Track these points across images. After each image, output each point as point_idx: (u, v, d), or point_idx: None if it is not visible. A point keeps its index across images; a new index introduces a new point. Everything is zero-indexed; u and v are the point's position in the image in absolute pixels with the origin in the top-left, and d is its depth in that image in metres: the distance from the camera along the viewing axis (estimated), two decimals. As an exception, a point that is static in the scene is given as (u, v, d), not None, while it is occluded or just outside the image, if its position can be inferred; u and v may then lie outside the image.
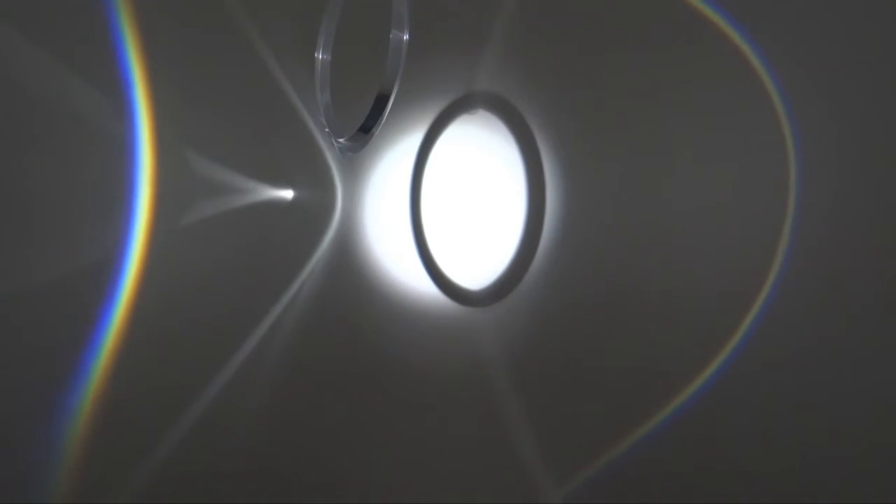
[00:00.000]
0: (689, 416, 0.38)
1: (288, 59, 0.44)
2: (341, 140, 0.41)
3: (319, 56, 0.41)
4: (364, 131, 0.41)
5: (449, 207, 0.43)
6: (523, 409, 0.40)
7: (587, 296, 0.40)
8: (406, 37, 0.39)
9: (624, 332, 0.39)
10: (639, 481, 0.39)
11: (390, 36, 0.39)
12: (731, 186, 0.38)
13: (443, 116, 0.42)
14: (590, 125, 0.40)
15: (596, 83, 0.40)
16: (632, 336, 0.39)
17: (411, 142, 0.43)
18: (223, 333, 0.44)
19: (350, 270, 0.44)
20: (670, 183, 0.39)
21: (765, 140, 0.36)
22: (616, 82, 0.40)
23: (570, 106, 0.40)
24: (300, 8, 0.44)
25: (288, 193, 0.45)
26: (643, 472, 0.39)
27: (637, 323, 0.39)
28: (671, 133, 0.39)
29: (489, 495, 0.41)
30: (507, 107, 0.41)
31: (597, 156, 0.40)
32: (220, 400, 0.43)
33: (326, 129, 0.41)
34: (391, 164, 0.45)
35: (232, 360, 0.44)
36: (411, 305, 0.43)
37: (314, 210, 0.45)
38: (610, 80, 0.40)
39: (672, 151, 0.39)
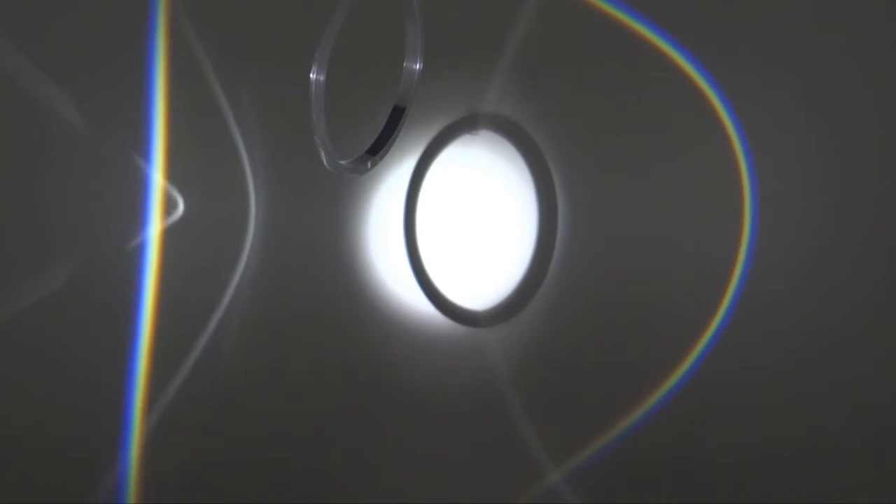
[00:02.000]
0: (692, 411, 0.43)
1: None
2: (342, 162, 0.38)
3: (314, 77, 0.36)
4: (371, 153, 0.38)
5: (449, 226, 0.44)
6: (526, 427, 0.44)
7: (597, 316, 0.43)
8: (419, 66, 0.37)
9: (636, 359, 0.43)
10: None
11: (404, 64, 0.35)
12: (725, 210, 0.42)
13: (443, 136, 0.42)
14: (597, 145, 0.43)
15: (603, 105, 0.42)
16: (643, 363, 0.42)
17: (410, 159, 0.43)
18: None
19: (345, 291, 0.43)
20: (679, 202, 0.42)
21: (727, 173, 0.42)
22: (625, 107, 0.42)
23: (576, 123, 0.42)
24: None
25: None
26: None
27: (651, 346, 0.42)
28: (677, 153, 0.42)
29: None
30: (511, 126, 0.41)
31: (605, 175, 0.43)
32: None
33: (321, 150, 0.38)
34: (389, 181, 0.43)
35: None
36: (410, 326, 0.44)
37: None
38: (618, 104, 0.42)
39: (679, 169, 0.43)
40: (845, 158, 0.42)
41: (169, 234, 0.41)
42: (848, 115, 0.42)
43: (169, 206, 0.42)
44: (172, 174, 0.41)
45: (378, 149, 0.38)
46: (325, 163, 0.38)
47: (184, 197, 0.42)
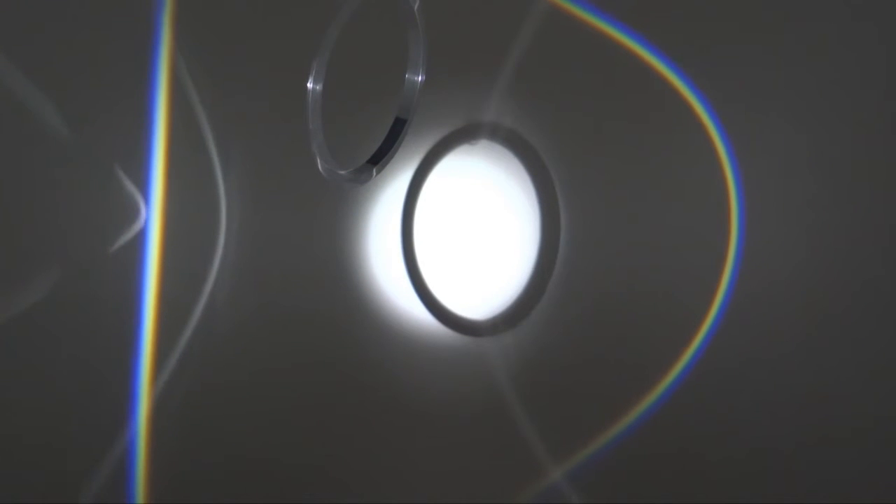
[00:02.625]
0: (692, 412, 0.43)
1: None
2: (342, 172, 0.38)
3: (311, 86, 0.36)
4: (373, 163, 0.38)
5: (449, 236, 0.44)
6: (526, 427, 0.44)
7: (596, 316, 0.43)
8: (421, 77, 0.37)
9: (635, 360, 0.43)
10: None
11: (406, 76, 0.35)
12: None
13: (442, 145, 0.42)
14: (596, 154, 0.43)
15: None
16: (642, 365, 0.42)
17: (409, 168, 0.43)
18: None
19: (343, 300, 0.43)
20: (677, 209, 0.43)
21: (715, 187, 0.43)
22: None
23: (576, 132, 0.43)
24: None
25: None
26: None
27: (649, 347, 0.42)
28: (678, 157, 0.43)
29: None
30: (511, 136, 0.42)
31: (605, 184, 0.43)
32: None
33: (318, 159, 0.37)
34: (388, 191, 0.43)
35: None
36: (409, 335, 0.44)
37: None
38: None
39: (677, 178, 0.43)
40: (828, 163, 0.43)
41: (168, 240, 0.41)
42: (830, 123, 0.42)
43: (167, 210, 0.41)
44: (171, 179, 0.41)
45: (379, 159, 0.37)
46: (321, 172, 0.38)
47: (182, 203, 0.41)
